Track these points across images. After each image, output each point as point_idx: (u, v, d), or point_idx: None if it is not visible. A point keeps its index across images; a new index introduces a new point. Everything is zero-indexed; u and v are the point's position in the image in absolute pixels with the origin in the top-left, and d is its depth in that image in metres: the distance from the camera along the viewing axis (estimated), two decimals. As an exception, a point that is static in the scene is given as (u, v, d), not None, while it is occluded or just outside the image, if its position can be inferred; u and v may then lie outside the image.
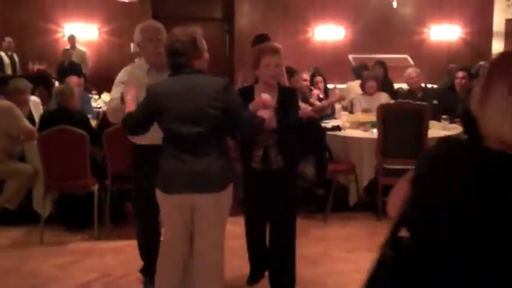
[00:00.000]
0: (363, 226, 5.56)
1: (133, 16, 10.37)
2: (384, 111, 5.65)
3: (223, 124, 3.18)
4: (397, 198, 1.71)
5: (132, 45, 9.97)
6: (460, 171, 1.53)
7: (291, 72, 6.05)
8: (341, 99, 6.76)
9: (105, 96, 8.26)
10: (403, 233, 1.65)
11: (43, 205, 5.30)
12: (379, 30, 12.45)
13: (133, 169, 3.94)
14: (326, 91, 7.25)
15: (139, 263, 4.13)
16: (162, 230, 3.85)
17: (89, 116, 6.41)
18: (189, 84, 3.11)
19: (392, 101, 6.46)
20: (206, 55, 3.28)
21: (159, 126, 3.23)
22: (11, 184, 5.58)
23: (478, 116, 1.54)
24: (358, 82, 7.77)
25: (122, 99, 3.49)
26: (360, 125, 6.14)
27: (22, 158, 5.73)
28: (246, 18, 12.53)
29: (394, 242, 1.64)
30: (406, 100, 6.21)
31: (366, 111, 6.64)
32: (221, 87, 3.12)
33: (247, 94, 3.69)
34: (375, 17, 12.44)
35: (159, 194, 3.24)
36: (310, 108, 4.69)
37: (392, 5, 11.72)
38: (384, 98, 6.89)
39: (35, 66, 11.04)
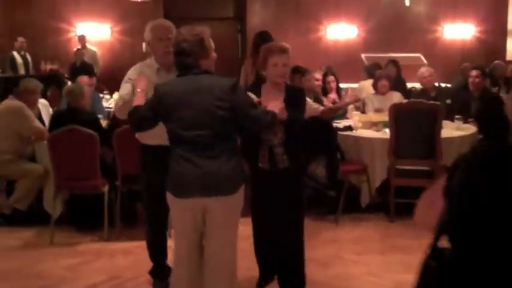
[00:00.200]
0: (375, 228, 5.50)
1: (145, 15, 10.37)
2: (396, 111, 5.59)
3: (232, 125, 3.14)
4: (427, 207, 1.70)
5: (144, 44, 9.95)
6: (498, 176, 1.51)
7: (302, 71, 6.00)
8: (356, 101, 6.69)
9: (117, 96, 8.26)
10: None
11: (53, 205, 5.29)
12: (392, 28, 12.35)
13: (141, 169, 3.91)
14: (338, 91, 7.19)
15: (148, 264, 4.10)
16: (171, 231, 3.83)
17: (100, 116, 6.40)
18: (196, 85, 3.08)
19: (405, 101, 6.38)
20: (213, 55, 3.25)
21: (166, 127, 3.20)
22: (22, 184, 5.59)
23: None
24: (370, 81, 7.70)
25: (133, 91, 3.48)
26: (372, 125, 6.08)
27: (33, 158, 5.74)
28: (258, 17, 12.49)
29: (436, 253, 1.63)
30: (419, 100, 6.13)
31: (378, 111, 6.57)
32: (228, 87, 3.09)
33: (253, 93, 3.64)
34: (388, 16, 12.34)
35: (170, 197, 3.21)
36: (322, 108, 4.61)
37: (404, 3, 11.62)
38: (396, 97, 6.81)
39: (48, 66, 11.09)
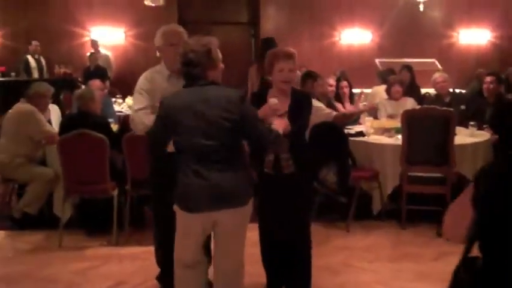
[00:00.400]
0: (386, 235, 5.42)
1: (159, 20, 10.34)
2: (408, 117, 5.52)
3: (239, 137, 3.12)
4: (456, 220, 1.69)
5: (157, 49, 9.97)
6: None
7: (313, 76, 5.97)
8: (372, 109, 6.64)
9: (129, 100, 8.27)
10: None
11: (63, 209, 5.29)
12: (407, 34, 12.29)
13: (152, 175, 3.88)
14: (351, 96, 7.13)
15: (156, 270, 4.09)
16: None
17: (111, 120, 6.40)
18: (203, 96, 3.03)
19: (418, 106, 6.31)
20: (221, 66, 3.21)
21: (173, 139, 3.18)
22: (32, 188, 5.60)
23: None
24: (383, 87, 7.63)
25: None
26: (385, 131, 6.01)
27: (43, 162, 5.75)
28: (271, 22, 12.47)
29: (467, 264, 1.63)
30: (432, 106, 6.05)
31: (391, 116, 6.51)
32: (236, 99, 3.04)
33: (260, 99, 3.61)
34: (402, 21, 12.28)
35: (178, 211, 3.18)
36: (335, 113, 4.56)
37: (419, 8, 11.55)
38: (409, 103, 6.75)
39: (61, 70, 11.15)
